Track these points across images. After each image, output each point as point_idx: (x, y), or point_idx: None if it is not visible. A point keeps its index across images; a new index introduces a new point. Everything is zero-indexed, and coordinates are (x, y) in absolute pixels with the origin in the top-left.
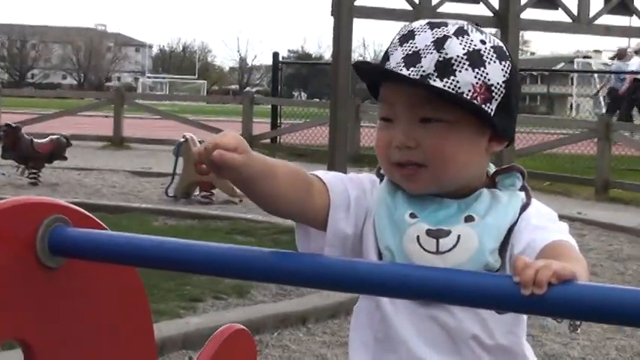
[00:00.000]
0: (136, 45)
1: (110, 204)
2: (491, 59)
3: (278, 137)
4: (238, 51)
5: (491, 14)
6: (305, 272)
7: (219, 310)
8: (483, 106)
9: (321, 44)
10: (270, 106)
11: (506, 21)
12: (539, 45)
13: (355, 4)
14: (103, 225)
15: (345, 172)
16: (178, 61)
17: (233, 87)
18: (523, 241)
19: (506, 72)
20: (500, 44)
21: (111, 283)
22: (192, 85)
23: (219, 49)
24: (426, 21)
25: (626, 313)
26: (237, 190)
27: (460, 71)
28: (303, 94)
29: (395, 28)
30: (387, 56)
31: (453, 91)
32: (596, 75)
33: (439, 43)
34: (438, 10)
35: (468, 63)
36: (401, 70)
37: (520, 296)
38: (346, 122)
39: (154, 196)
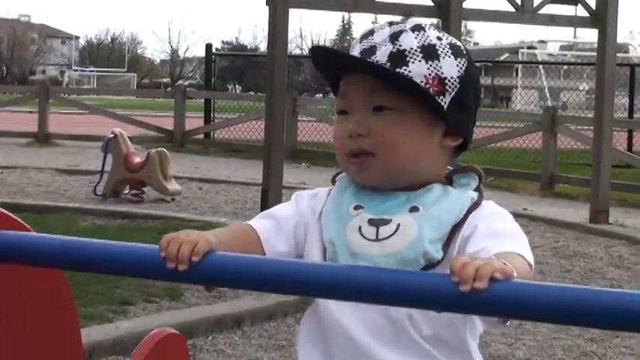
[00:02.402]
0: (62, 37)
1: (35, 204)
2: (446, 54)
3: (212, 132)
4: (170, 42)
5: (432, 4)
6: (241, 273)
7: (150, 313)
8: (436, 97)
9: (256, 35)
10: (203, 100)
11: (447, 10)
12: (484, 35)
13: None
14: (27, 226)
15: (281, 167)
16: (107, 54)
17: (164, 80)
18: (478, 244)
19: (461, 68)
20: (459, 44)
21: (35, 286)
22: (121, 78)
23: (149, 40)
24: (388, 21)
25: (571, 312)
26: (169, 188)
27: (413, 62)
28: (237, 87)
29: (334, 17)
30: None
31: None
32: (541, 66)
33: (394, 37)
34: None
35: (421, 55)
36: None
37: (458, 295)
38: (283, 116)
39: (82, 195)
